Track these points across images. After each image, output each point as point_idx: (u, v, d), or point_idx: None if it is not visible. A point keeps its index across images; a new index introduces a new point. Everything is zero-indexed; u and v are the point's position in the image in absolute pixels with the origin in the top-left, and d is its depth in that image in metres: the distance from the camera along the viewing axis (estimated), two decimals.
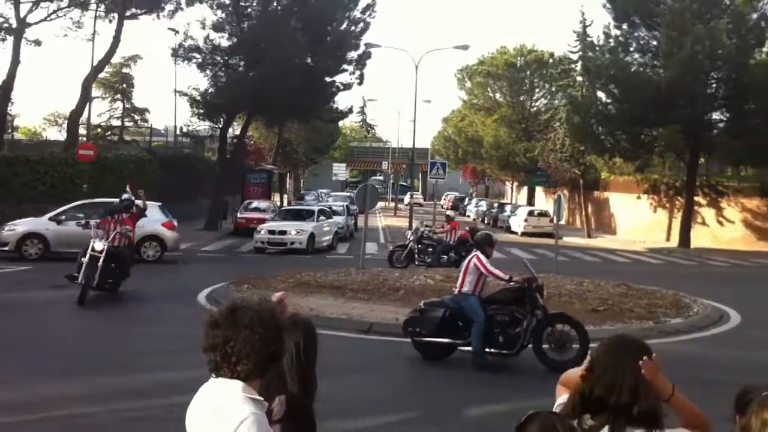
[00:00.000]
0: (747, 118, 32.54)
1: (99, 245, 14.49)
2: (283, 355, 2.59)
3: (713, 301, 16.51)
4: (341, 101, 63.26)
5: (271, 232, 27.28)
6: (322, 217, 29.82)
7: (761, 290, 20.69)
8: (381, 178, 79.46)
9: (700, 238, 36.32)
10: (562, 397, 2.95)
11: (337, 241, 30.53)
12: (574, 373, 2.98)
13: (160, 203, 24.04)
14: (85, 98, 33.42)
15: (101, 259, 14.45)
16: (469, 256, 10.87)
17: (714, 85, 33.78)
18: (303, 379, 3.13)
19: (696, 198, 36.59)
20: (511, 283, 10.65)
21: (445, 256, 22.51)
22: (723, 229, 37.28)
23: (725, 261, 29.76)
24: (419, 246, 22.95)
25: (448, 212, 31.99)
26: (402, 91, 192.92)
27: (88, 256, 14.45)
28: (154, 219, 22.03)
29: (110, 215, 15.36)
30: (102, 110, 64.40)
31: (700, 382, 9.65)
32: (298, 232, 27.16)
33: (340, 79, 38.87)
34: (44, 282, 17.10)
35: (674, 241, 36.24)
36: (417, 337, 10.83)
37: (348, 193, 52.17)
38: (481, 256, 10.61)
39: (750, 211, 36.48)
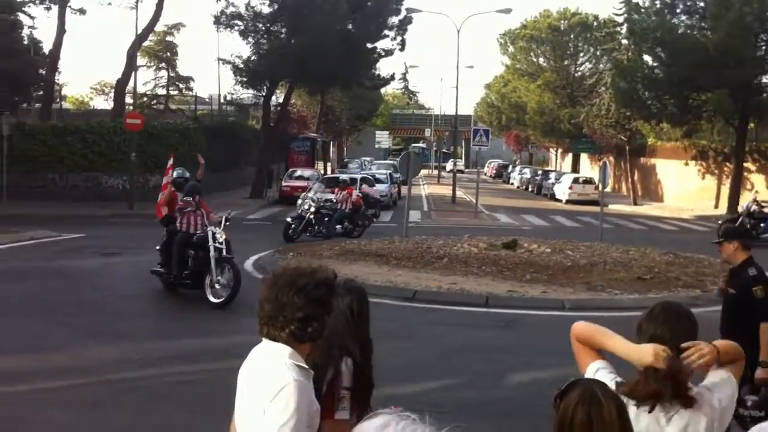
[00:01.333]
0: None
1: (221, 235, 11.92)
2: (320, 325, 2.62)
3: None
4: (383, 68, 63.16)
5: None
6: (365, 185, 29.86)
7: None
8: (423, 145, 79.09)
9: None
10: (594, 366, 2.88)
11: (381, 209, 30.60)
12: (588, 327, 2.92)
13: None
14: (131, 67, 33.79)
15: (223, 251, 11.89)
16: None
17: (764, 47, 32.89)
18: (361, 341, 3.21)
19: (745, 164, 35.81)
20: None
21: (340, 226, 21.09)
22: None
23: None
24: (316, 216, 20.72)
25: (342, 176, 30.18)
26: (444, 56, 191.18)
27: (213, 249, 11.73)
28: None
29: (190, 196, 12.46)
30: (147, 79, 65.12)
31: None
32: None
33: (381, 45, 38.73)
34: (96, 249, 17.51)
35: (723, 209, 35.58)
36: None
37: (391, 161, 52.10)
38: None
39: None
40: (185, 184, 13.13)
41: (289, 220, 20.89)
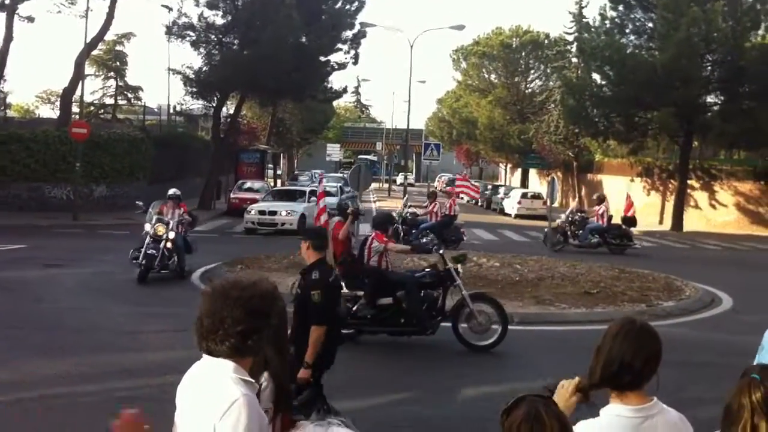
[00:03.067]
0: (741, 101, 32.61)
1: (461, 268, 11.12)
2: (260, 338, 2.54)
3: (705, 285, 16.57)
4: (335, 81, 62.72)
5: (262, 212, 27.17)
6: (313, 198, 29.72)
7: (753, 274, 20.77)
8: (373, 157, 79.09)
9: (692, 221, 36.42)
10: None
11: None
12: None
13: None
14: (78, 76, 33.19)
15: None
16: None
17: (709, 67, 33.76)
18: (279, 349, 3.07)
19: (689, 181, 36.65)
20: None
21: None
22: (716, 212, 37.39)
23: (717, 244, 29.84)
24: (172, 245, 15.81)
25: (171, 191, 18.34)
26: (397, 71, 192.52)
27: (464, 287, 10.88)
28: None
29: (382, 229, 10.90)
30: (95, 88, 64.05)
31: (691, 364, 9.73)
32: (289, 213, 27.05)
33: (334, 58, 38.69)
34: (38, 260, 17.09)
35: (667, 224, 36.33)
36: None
37: (342, 174, 52.07)
38: None
39: (743, 194, 36.57)
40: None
41: (152, 252, 15.32)
